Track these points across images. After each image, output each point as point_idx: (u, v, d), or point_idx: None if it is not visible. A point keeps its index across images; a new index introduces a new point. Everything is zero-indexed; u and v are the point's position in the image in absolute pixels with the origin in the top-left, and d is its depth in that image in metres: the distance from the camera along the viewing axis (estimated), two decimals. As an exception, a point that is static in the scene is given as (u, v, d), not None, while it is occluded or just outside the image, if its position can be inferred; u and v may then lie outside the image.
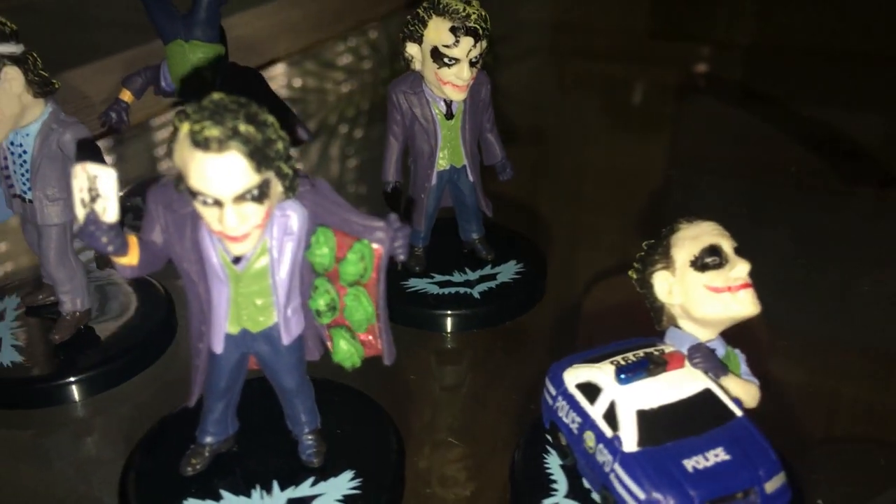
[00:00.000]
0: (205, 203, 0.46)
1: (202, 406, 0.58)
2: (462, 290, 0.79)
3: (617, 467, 0.51)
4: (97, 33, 1.67)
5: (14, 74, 0.63)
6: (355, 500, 0.56)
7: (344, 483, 0.57)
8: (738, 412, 0.53)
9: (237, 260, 0.50)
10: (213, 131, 0.44)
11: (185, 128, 0.45)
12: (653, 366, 0.53)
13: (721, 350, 0.56)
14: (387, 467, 0.59)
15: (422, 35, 0.72)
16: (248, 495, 0.56)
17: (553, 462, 0.58)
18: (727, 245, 0.54)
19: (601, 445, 0.53)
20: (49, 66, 0.67)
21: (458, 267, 0.83)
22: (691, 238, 0.55)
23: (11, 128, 0.66)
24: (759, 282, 0.54)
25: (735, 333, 0.56)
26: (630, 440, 0.51)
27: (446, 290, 0.79)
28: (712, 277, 0.53)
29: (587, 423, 0.54)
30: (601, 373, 0.54)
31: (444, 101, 0.76)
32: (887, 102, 1.42)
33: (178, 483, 0.57)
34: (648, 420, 0.51)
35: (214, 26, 0.84)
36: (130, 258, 0.50)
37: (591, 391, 0.55)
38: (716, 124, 1.37)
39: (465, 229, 0.84)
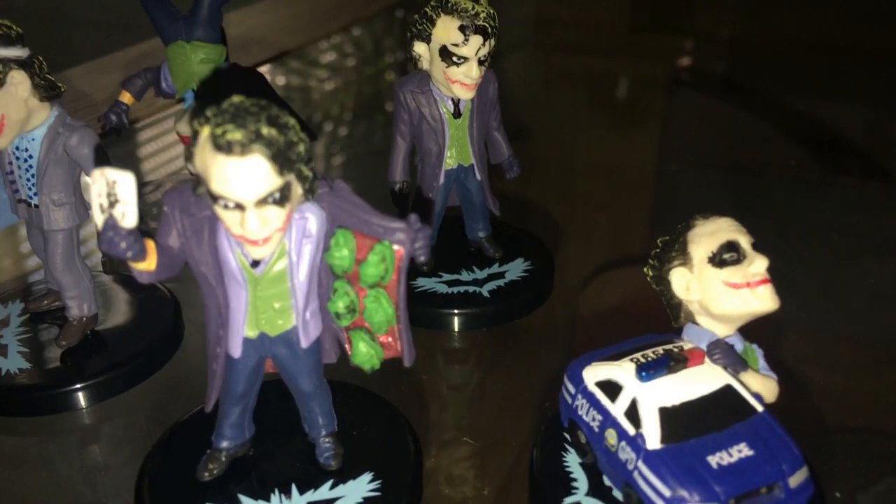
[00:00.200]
0: (226, 207, 0.45)
1: (217, 411, 0.57)
2: (471, 288, 0.79)
3: (641, 465, 0.51)
4: (74, 34, 1.65)
5: (20, 78, 0.63)
6: (376, 503, 0.55)
7: (363, 485, 0.57)
8: (759, 407, 0.53)
9: (255, 263, 0.50)
10: (235, 135, 0.43)
11: (205, 131, 0.45)
12: (673, 363, 0.53)
13: (739, 345, 0.56)
14: (405, 468, 0.59)
15: (430, 34, 0.71)
16: (267, 499, 0.56)
17: (572, 460, 0.58)
18: (744, 241, 0.54)
19: (623, 443, 0.52)
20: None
21: (465, 266, 0.83)
22: (708, 234, 0.55)
23: (18, 132, 0.65)
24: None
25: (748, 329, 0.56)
26: (653, 437, 0.51)
27: (455, 290, 0.79)
28: (731, 273, 0.53)
29: (608, 420, 0.54)
30: (621, 370, 0.54)
31: (452, 99, 0.76)
32: (870, 94, 1.43)
33: (195, 489, 0.57)
34: (671, 417, 0.51)
35: (216, 26, 0.84)
36: (148, 263, 0.49)
37: (611, 389, 0.55)
38: (700, 117, 1.38)
39: (471, 228, 0.84)
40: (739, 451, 0.50)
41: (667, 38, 1.81)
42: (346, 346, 0.55)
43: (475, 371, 0.76)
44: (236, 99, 0.45)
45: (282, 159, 0.45)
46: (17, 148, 0.67)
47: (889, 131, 1.29)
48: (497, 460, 0.64)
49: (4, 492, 0.63)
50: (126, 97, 0.86)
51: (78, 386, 0.69)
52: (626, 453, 0.52)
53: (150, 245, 0.49)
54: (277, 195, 0.45)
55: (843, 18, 1.84)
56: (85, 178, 0.69)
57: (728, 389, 0.53)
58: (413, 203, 0.80)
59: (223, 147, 0.44)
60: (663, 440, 0.51)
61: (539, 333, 0.79)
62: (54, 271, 0.70)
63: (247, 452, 0.59)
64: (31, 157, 0.67)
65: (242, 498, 0.56)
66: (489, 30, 0.70)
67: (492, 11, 0.71)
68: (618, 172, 1.18)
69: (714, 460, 0.50)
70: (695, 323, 0.56)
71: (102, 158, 0.66)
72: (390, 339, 0.54)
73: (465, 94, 0.73)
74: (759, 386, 0.54)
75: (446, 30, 0.70)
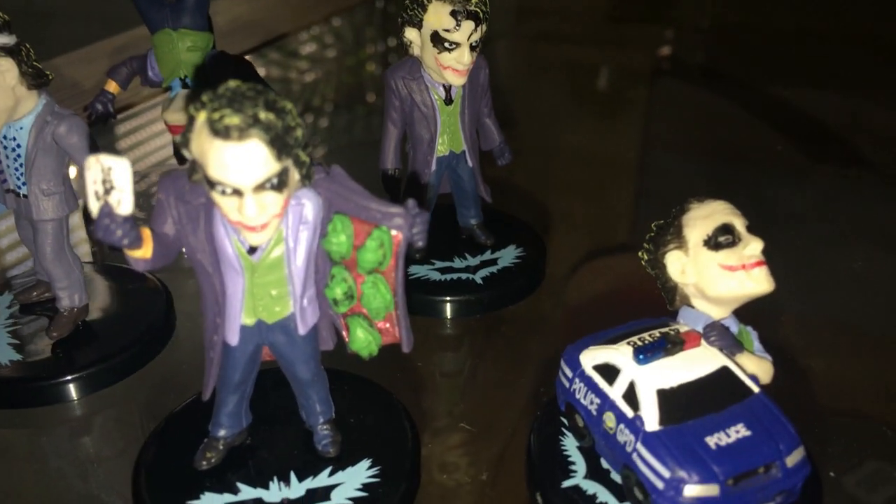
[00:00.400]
0: (223, 193, 0.45)
1: (214, 399, 0.57)
2: (464, 275, 0.79)
3: (639, 447, 0.51)
4: (52, 25, 1.63)
5: (8, 66, 0.62)
6: (375, 489, 0.55)
7: (362, 472, 0.57)
8: (756, 388, 0.53)
9: (252, 250, 0.50)
10: (233, 119, 0.43)
11: (201, 116, 0.44)
12: (670, 345, 0.53)
13: (734, 328, 0.56)
14: (403, 455, 0.59)
15: (421, 19, 0.71)
16: (266, 487, 0.56)
17: (570, 444, 0.58)
18: (739, 223, 0.55)
19: (622, 426, 0.53)
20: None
21: (457, 253, 0.83)
22: (703, 217, 0.55)
23: (5, 121, 0.64)
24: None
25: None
26: (652, 419, 0.51)
27: (448, 277, 0.79)
28: (726, 256, 0.54)
29: (606, 403, 0.54)
30: (619, 354, 0.54)
31: (443, 86, 0.75)
32: (849, 82, 1.44)
33: (193, 478, 0.57)
34: (669, 399, 0.52)
35: (203, 14, 0.83)
36: (144, 251, 0.49)
37: (608, 372, 0.55)
38: (682, 105, 1.39)
39: (463, 215, 0.84)
40: (737, 432, 0.51)
41: (649, 27, 1.82)
42: (344, 332, 0.55)
43: (468, 358, 0.76)
44: (232, 83, 0.45)
45: (280, 144, 0.44)
46: (5, 137, 0.66)
47: (868, 119, 1.31)
48: (493, 446, 0.64)
49: (-4, 484, 0.63)
50: (112, 86, 0.85)
51: (69, 377, 0.68)
52: (624, 435, 0.52)
53: (146, 233, 0.49)
54: (275, 180, 0.45)
55: (824, 7, 1.85)
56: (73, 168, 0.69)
57: (724, 371, 0.53)
58: (405, 190, 0.79)
59: (220, 132, 0.43)
60: (662, 422, 0.51)
61: (532, 319, 0.79)
62: (44, 262, 0.70)
63: (244, 441, 0.59)
64: (19, 146, 0.66)
65: (241, 486, 0.56)
66: (481, 15, 0.70)
67: None
68: (602, 160, 1.18)
69: (712, 441, 0.50)
70: (690, 306, 0.57)
71: (91, 147, 0.65)
72: (388, 324, 0.54)
73: (457, 81, 0.73)
74: (755, 367, 0.55)
75: (438, 15, 0.70)
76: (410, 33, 0.73)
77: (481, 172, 0.81)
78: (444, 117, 0.76)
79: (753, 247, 0.54)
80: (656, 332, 0.55)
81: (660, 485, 0.50)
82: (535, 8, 1.96)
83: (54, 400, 0.69)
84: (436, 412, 0.68)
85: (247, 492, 0.55)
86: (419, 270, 0.80)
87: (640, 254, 0.59)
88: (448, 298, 0.77)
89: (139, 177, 1.06)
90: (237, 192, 0.45)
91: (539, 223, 0.94)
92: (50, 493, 0.62)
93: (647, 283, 0.60)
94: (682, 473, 0.49)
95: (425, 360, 0.73)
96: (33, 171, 0.66)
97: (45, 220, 0.68)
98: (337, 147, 1.22)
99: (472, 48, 0.71)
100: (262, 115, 0.44)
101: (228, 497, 0.55)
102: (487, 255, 0.82)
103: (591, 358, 0.56)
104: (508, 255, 0.82)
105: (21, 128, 0.65)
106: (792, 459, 0.51)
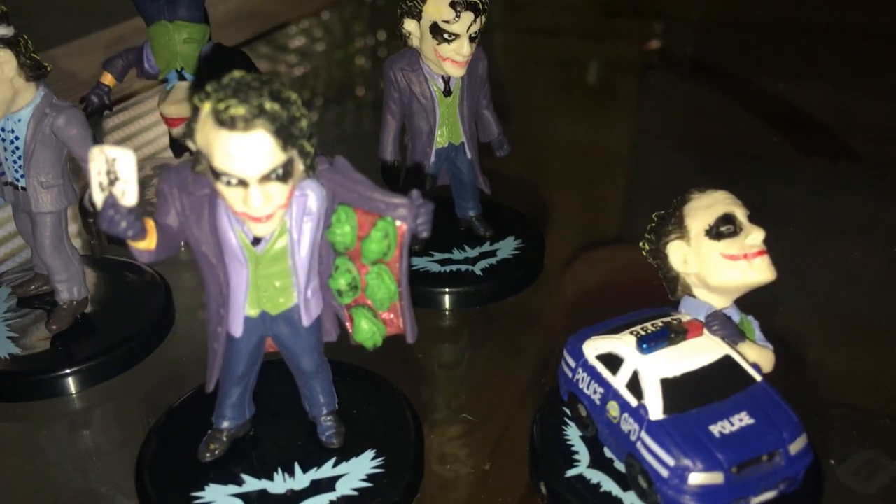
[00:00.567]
0: (228, 184, 0.45)
1: (218, 391, 0.57)
2: (464, 267, 0.79)
3: (644, 436, 0.51)
4: (44, 18, 1.62)
5: (6, 57, 0.61)
6: (380, 479, 0.56)
7: (366, 462, 0.57)
8: (758, 377, 0.53)
9: (256, 241, 0.50)
10: (238, 109, 0.43)
11: (206, 107, 0.44)
12: (673, 335, 0.54)
13: (736, 317, 0.56)
14: (406, 445, 0.59)
15: (420, 10, 0.71)
16: (271, 478, 0.56)
17: (573, 433, 0.59)
18: (740, 213, 0.55)
19: (626, 415, 0.53)
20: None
21: (456, 245, 0.83)
22: (705, 207, 0.56)
23: (3, 113, 0.64)
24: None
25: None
26: (656, 408, 0.51)
27: (447, 268, 0.79)
28: (728, 245, 0.54)
29: (610, 393, 0.54)
30: (622, 343, 0.55)
31: (442, 77, 0.75)
32: (838, 75, 1.45)
33: (197, 470, 0.56)
34: (672, 388, 0.52)
35: (199, 5, 0.83)
36: (148, 242, 0.49)
37: (612, 362, 0.55)
38: (673, 98, 1.39)
39: (462, 207, 0.84)
40: (740, 420, 0.51)
41: (640, 20, 1.82)
42: (348, 323, 0.55)
43: (468, 349, 0.76)
44: (237, 74, 0.45)
45: (285, 134, 0.44)
46: (3, 129, 0.65)
47: (856, 112, 1.31)
48: (495, 436, 0.64)
49: (-5, 478, 0.63)
50: (108, 78, 0.85)
51: (68, 371, 0.68)
52: (628, 425, 0.53)
53: (150, 224, 0.49)
54: (281, 171, 0.45)
55: (813, 0, 1.86)
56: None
57: (727, 360, 0.53)
58: (403, 182, 0.79)
59: (226, 122, 0.43)
60: (666, 411, 0.51)
61: (532, 310, 0.79)
62: (43, 255, 0.69)
63: (247, 432, 0.59)
64: (17, 138, 0.65)
65: (245, 477, 0.56)
66: (480, 6, 0.70)
67: None
68: (594, 153, 1.18)
69: (716, 429, 0.50)
70: (692, 296, 0.57)
71: (93, 139, 0.65)
72: (392, 315, 0.54)
73: (456, 72, 0.73)
74: (757, 356, 0.55)
75: (437, 6, 0.70)
76: (409, 24, 0.73)
77: (480, 164, 0.81)
78: (443, 109, 0.76)
79: (755, 236, 0.54)
80: (659, 322, 0.55)
81: (664, 473, 0.50)
82: (526, 1, 1.95)
83: (53, 393, 0.68)
84: (435, 403, 0.68)
85: (251, 483, 0.55)
86: (419, 262, 0.80)
87: (641, 244, 0.59)
88: (447, 290, 0.77)
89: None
90: (242, 183, 0.45)
91: (536, 214, 0.94)
92: (49, 486, 0.61)
93: (643, 273, 0.60)
94: (687, 461, 0.49)
95: (425, 352, 0.73)
96: (32, 164, 0.66)
97: (43, 213, 0.68)
98: (327, 141, 1.21)
99: (471, 39, 0.71)
100: (268, 105, 0.43)
101: (233, 489, 0.55)
102: (486, 247, 0.82)
103: (594, 348, 0.57)
104: (507, 247, 0.82)
105: (19, 120, 0.65)
106: (795, 447, 0.51)
